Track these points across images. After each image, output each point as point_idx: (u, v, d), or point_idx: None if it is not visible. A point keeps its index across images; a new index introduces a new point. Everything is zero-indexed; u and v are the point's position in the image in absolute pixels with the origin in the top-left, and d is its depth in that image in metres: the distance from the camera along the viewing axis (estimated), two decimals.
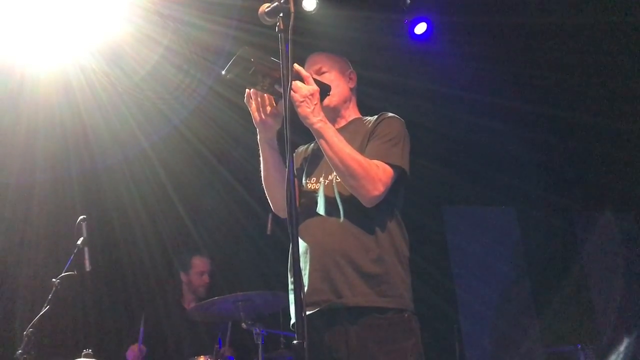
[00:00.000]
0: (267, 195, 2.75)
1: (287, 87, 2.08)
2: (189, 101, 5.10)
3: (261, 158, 2.69)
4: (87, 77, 4.63)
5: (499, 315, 6.55)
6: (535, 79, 5.63)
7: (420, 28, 5.32)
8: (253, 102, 2.56)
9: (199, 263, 4.99)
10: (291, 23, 2.11)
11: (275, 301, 4.02)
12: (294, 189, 1.96)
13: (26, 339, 3.06)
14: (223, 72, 2.43)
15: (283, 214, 2.66)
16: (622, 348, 5.49)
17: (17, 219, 4.75)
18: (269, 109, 2.56)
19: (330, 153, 2.43)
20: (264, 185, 2.74)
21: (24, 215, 4.77)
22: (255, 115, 2.58)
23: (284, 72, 2.09)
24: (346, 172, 2.42)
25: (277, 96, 2.49)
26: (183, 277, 5.01)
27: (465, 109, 5.71)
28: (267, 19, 2.20)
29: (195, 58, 4.76)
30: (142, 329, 4.35)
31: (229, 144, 5.37)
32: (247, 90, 2.56)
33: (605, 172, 6.36)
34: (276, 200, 2.73)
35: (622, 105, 5.81)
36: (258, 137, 2.65)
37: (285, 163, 2.02)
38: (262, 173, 2.72)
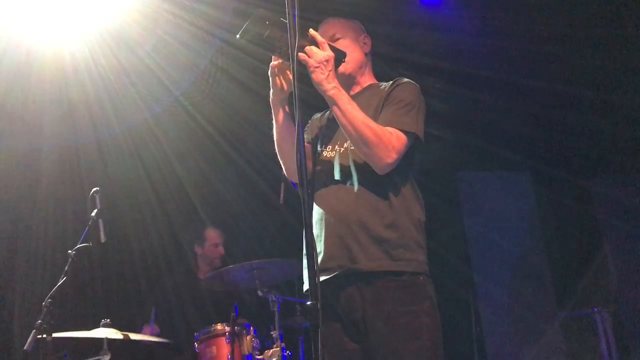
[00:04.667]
0: (279, 158, 2.75)
1: (295, 48, 2.05)
2: (192, 75, 5.09)
3: (273, 120, 2.68)
4: (92, 52, 4.63)
5: (514, 279, 6.54)
6: (553, 40, 5.53)
7: None
8: (276, 70, 2.56)
9: (213, 235, 5.04)
10: None
11: (290, 269, 4.04)
12: (304, 157, 1.95)
13: (45, 309, 3.09)
14: (237, 36, 2.41)
15: (295, 178, 2.66)
16: None
17: (25, 193, 4.80)
18: (288, 73, 2.55)
19: (343, 120, 2.42)
20: (276, 148, 2.73)
21: (32, 188, 4.82)
22: (276, 80, 2.57)
23: (291, 32, 2.06)
24: (359, 140, 2.41)
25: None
26: (197, 249, 5.06)
27: (479, 72, 5.64)
28: None
29: (198, 32, 4.72)
30: (153, 311, 4.45)
31: (231, 117, 5.37)
32: (272, 62, 2.55)
33: (621, 133, 6.28)
34: (288, 164, 2.72)
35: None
36: (271, 98, 2.64)
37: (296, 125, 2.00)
38: (274, 136, 2.71)
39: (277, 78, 2.58)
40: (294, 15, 2.08)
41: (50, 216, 4.79)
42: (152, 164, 5.29)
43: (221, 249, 5.01)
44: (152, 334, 4.52)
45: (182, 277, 5.03)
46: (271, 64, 2.56)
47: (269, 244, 5.60)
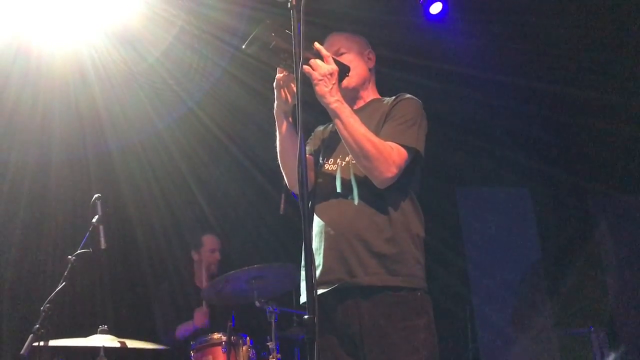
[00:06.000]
0: (282, 170, 2.75)
1: (299, 64, 2.08)
2: (203, 82, 5.11)
3: (277, 132, 2.69)
4: (102, 58, 4.65)
5: (511, 296, 6.55)
6: (552, 58, 5.56)
7: (436, 8, 5.28)
8: (281, 83, 2.58)
9: (210, 241, 5.07)
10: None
11: (289, 277, 4.04)
12: (305, 169, 1.97)
13: (43, 314, 3.11)
14: (243, 47, 2.43)
15: (296, 189, 2.67)
16: None
17: (35, 198, 4.82)
18: (292, 86, 2.57)
19: (345, 133, 2.44)
20: (279, 160, 2.73)
21: (41, 194, 4.84)
22: (280, 92, 2.59)
23: (296, 49, 2.09)
24: (360, 153, 2.43)
25: None
26: (194, 255, 5.09)
27: (481, 89, 5.67)
28: None
29: (209, 38, 4.75)
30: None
31: (242, 125, 5.38)
32: (277, 75, 2.57)
33: (621, 152, 6.30)
34: (290, 175, 2.73)
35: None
36: (275, 109, 2.65)
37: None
38: (277, 148, 2.72)
39: (282, 90, 2.60)
40: (298, 28, 2.11)
41: (60, 225, 4.81)
42: (163, 174, 5.31)
43: (217, 255, 5.05)
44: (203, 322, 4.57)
45: (180, 286, 5.04)
46: (277, 76, 2.58)
47: (269, 254, 5.61)
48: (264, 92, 4.46)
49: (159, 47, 4.71)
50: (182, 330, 4.68)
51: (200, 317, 4.63)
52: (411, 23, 5.35)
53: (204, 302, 4.65)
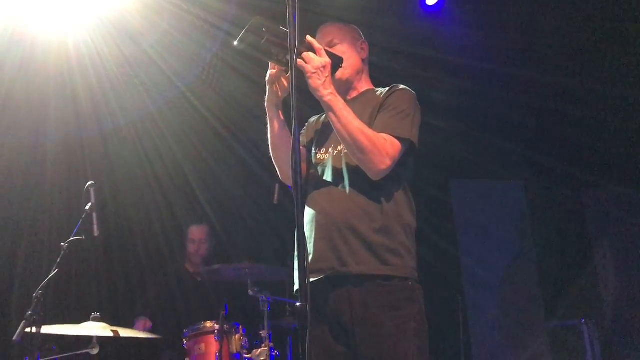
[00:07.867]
0: (274, 162, 2.76)
1: (294, 52, 2.08)
2: (197, 69, 5.11)
3: (268, 124, 2.70)
4: (96, 44, 4.65)
5: (504, 288, 6.58)
6: (548, 49, 5.56)
7: None
8: (274, 78, 2.58)
9: (194, 231, 5.10)
10: None
11: (281, 271, 4.07)
12: (299, 157, 1.97)
13: (35, 300, 3.12)
14: (235, 43, 2.43)
15: (289, 182, 2.67)
16: None
17: (30, 183, 4.82)
18: (283, 80, 2.58)
19: (338, 126, 2.44)
20: (271, 152, 2.74)
21: (36, 180, 4.85)
22: (272, 86, 2.60)
23: (291, 37, 2.08)
24: (354, 146, 2.43)
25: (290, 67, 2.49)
26: (185, 244, 5.12)
27: (477, 80, 5.67)
28: None
29: (202, 24, 4.74)
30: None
31: (236, 111, 5.39)
32: (269, 71, 2.57)
33: (615, 146, 6.31)
34: (283, 168, 2.74)
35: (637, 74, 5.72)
36: (266, 102, 2.66)
37: (291, 129, 2.03)
38: (269, 140, 2.72)
39: (274, 85, 2.60)
40: (294, 16, 2.10)
41: (55, 208, 4.82)
42: (155, 156, 5.33)
43: (196, 246, 5.07)
44: (144, 328, 4.56)
45: (174, 272, 5.05)
46: (269, 71, 2.58)
47: (262, 242, 5.61)
48: (257, 78, 4.48)
49: (153, 33, 4.70)
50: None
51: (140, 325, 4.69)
52: (407, 14, 5.35)
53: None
